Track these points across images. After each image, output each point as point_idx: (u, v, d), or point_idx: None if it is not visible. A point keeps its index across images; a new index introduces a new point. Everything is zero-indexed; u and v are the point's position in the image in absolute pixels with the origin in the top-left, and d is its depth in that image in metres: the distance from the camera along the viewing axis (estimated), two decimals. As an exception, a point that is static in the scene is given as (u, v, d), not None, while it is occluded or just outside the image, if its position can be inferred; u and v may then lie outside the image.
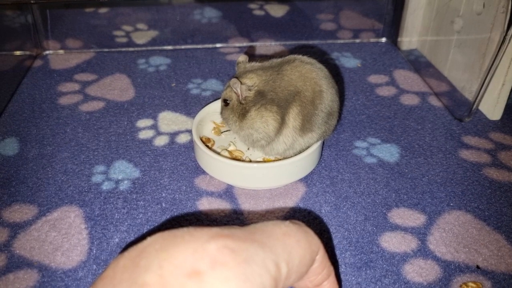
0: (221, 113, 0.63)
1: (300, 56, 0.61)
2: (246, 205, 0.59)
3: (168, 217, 0.57)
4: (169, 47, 0.97)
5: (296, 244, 0.31)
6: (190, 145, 0.69)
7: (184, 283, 0.26)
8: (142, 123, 0.74)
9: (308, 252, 0.32)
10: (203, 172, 0.64)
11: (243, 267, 0.27)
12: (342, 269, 0.51)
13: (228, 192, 0.61)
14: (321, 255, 0.34)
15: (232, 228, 0.31)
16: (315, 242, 0.33)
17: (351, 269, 0.51)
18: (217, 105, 0.69)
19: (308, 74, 0.58)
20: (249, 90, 0.58)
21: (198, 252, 0.27)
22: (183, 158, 0.67)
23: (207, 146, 0.63)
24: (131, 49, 0.96)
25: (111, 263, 0.29)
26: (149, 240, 0.29)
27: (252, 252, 0.28)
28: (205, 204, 0.59)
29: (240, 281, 0.27)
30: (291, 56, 0.61)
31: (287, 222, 0.33)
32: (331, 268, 0.36)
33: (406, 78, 0.87)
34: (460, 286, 0.49)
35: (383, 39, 1.01)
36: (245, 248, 0.28)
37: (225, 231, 0.29)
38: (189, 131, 0.72)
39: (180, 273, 0.26)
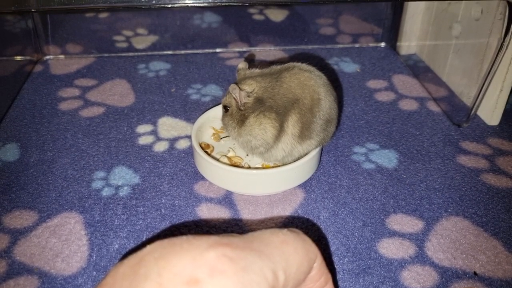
0: (222, 119, 0.63)
1: (299, 64, 0.61)
2: (245, 211, 0.59)
3: (167, 223, 0.57)
4: (169, 52, 0.97)
5: (294, 252, 0.32)
6: (190, 151, 0.69)
7: (183, 291, 0.26)
8: (142, 128, 0.74)
9: (305, 259, 0.32)
10: (203, 178, 0.64)
11: (241, 275, 0.28)
12: (340, 275, 0.51)
13: (227, 198, 0.61)
14: (318, 262, 0.34)
15: (231, 236, 0.31)
16: (313, 250, 0.34)
17: (349, 275, 0.51)
18: (216, 111, 0.69)
19: (306, 81, 0.59)
20: (248, 96, 0.58)
21: (196, 261, 0.28)
22: (182, 164, 0.67)
23: (207, 152, 0.63)
24: (131, 54, 0.97)
25: (111, 271, 0.29)
26: (148, 248, 0.30)
27: (250, 261, 0.29)
28: (204, 210, 0.59)
29: (238, 290, 0.27)
30: (291, 64, 0.62)
31: (285, 230, 0.33)
32: (329, 275, 0.36)
33: (405, 83, 0.87)
34: (458, 292, 0.49)
35: (382, 44, 1.01)
36: (243, 257, 0.29)
37: (223, 239, 0.30)
38: (189, 137, 0.72)
39: (179, 281, 0.27)
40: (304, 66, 0.61)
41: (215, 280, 0.27)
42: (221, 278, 0.27)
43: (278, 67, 0.62)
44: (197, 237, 0.30)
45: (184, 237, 0.30)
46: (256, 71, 0.62)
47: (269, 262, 0.30)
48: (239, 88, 0.58)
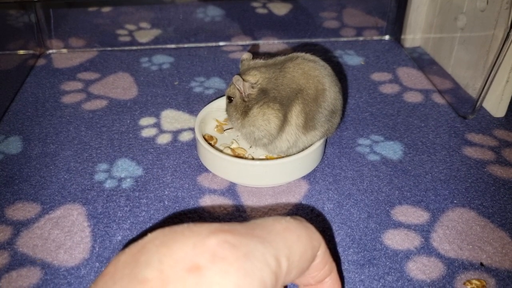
0: (226, 109, 0.63)
1: (303, 54, 0.61)
2: (249, 202, 0.59)
3: (170, 215, 0.57)
4: (172, 46, 0.97)
5: (297, 239, 0.31)
6: (193, 143, 0.69)
7: (184, 277, 0.26)
8: (145, 121, 0.74)
9: (309, 247, 0.32)
10: (206, 170, 0.64)
11: (243, 261, 0.27)
12: (345, 266, 0.51)
13: (231, 189, 0.61)
14: (322, 251, 0.34)
15: (232, 223, 0.30)
16: (316, 238, 0.33)
17: (354, 266, 0.51)
18: (220, 103, 0.69)
19: (311, 72, 0.58)
20: (252, 87, 0.58)
21: (198, 247, 0.27)
22: (185, 156, 0.67)
23: (210, 144, 0.63)
24: (134, 47, 0.96)
25: (112, 260, 0.29)
26: (150, 236, 0.29)
27: (252, 247, 0.28)
28: (207, 202, 0.59)
29: (240, 276, 0.26)
30: (294, 54, 0.61)
31: (288, 218, 0.33)
32: (333, 265, 0.36)
33: (410, 75, 0.87)
34: (464, 283, 0.49)
35: (387, 37, 1.00)
36: (245, 243, 0.28)
37: (225, 226, 0.29)
38: (192, 129, 0.72)
39: (180, 268, 0.26)
40: (308, 56, 0.61)
41: (217, 267, 0.27)
42: (223, 265, 0.27)
43: (282, 57, 0.61)
44: (198, 224, 0.30)
45: (185, 225, 0.30)
46: (260, 61, 0.62)
47: (271, 249, 0.29)
48: (243, 79, 0.58)
